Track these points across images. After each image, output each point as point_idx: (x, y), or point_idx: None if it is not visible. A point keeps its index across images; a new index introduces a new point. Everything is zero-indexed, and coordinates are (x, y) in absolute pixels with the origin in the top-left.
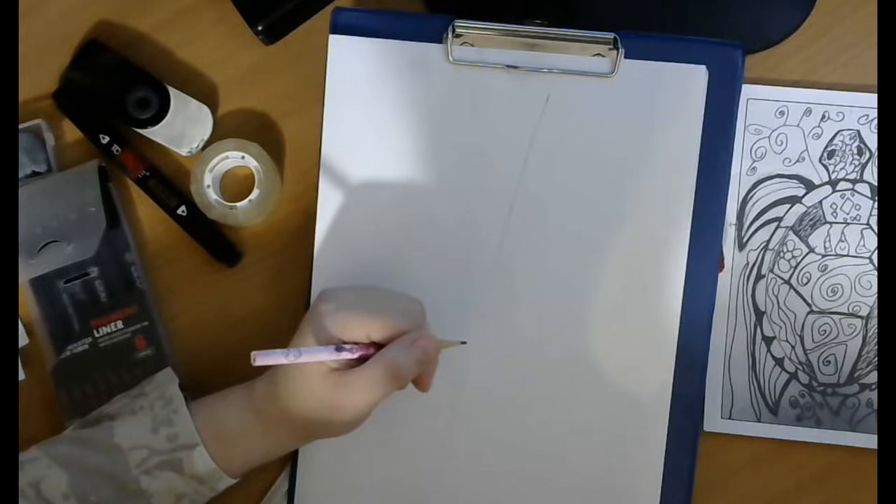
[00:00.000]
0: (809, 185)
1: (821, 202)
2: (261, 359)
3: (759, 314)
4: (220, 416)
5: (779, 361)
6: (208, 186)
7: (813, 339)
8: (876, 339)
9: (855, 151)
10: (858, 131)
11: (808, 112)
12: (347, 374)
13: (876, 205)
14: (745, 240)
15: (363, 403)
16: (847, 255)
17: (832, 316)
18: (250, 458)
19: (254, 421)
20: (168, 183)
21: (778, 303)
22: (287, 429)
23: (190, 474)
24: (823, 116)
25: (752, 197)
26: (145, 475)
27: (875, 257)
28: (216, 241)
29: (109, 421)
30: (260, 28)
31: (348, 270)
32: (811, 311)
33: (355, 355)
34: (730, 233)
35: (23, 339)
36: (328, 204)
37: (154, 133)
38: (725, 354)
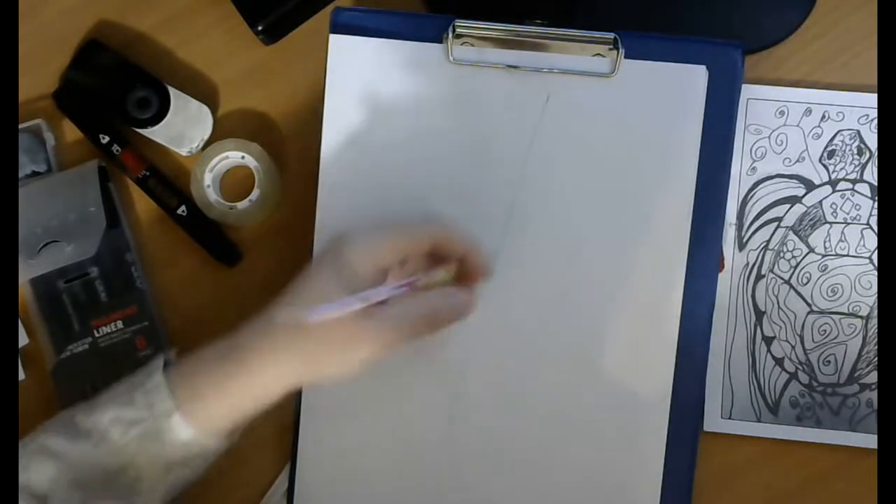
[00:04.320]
0: (809, 185)
1: (821, 202)
2: (318, 315)
3: (759, 314)
4: (197, 371)
5: (779, 361)
6: (208, 186)
7: (813, 339)
8: (876, 339)
9: (855, 151)
10: (858, 131)
11: (808, 112)
12: (366, 318)
13: (876, 205)
14: (745, 240)
15: (372, 350)
16: (847, 255)
17: (832, 316)
18: (234, 411)
19: (235, 366)
20: (168, 183)
21: (778, 303)
22: (279, 365)
23: (172, 442)
24: (823, 116)
25: (752, 197)
26: (128, 448)
27: (875, 257)
28: (216, 241)
29: (86, 403)
30: (260, 28)
31: None
32: (811, 311)
33: (403, 290)
34: (730, 233)
35: (23, 339)
36: (328, 204)
37: (154, 133)
38: (725, 354)
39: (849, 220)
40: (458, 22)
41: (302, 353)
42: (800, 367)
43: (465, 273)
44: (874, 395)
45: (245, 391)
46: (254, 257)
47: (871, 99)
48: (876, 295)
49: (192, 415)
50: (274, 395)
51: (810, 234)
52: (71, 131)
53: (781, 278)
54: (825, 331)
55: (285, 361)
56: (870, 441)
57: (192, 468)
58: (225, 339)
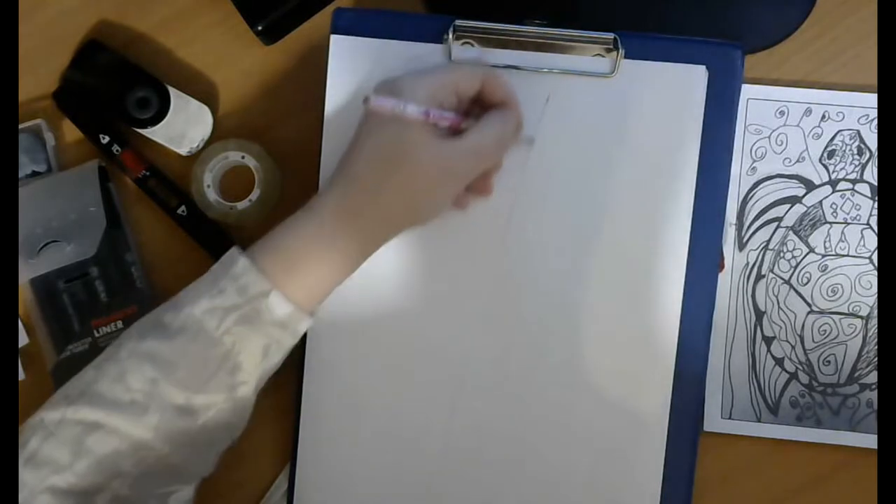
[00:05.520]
0: (809, 185)
1: (821, 202)
2: (378, 102)
3: (759, 314)
4: (283, 247)
5: (779, 361)
6: (208, 186)
7: (813, 339)
8: (876, 339)
9: (855, 151)
10: (858, 131)
11: (808, 112)
12: (456, 138)
13: (876, 205)
14: (745, 240)
15: (474, 168)
16: (847, 255)
17: (832, 316)
18: (325, 282)
19: (328, 231)
20: (168, 183)
21: (778, 303)
22: (369, 225)
23: (271, 321)
24: (823, 116)
25: (752, 197)
26: (226, 337)
27: (875, 257)
28: (216, 241)
29: (167, 304)
30: (260, 28)
31: None
32: (811, 311)
33: (455, 119)
34: (730, 233)
35: (23, 339)
36: None
37: (154, 133)
38: (725, 354)
39: (849, 220)
40: (459, 22)
41: (390, 204)
42: (800, 367)
43: None
44: (874, 395)
45: (339, 257)
46: None
47: (871, 99)
48: (876, 295)
49: (288, 290)
50: (368, 255)
51: (810, 234)
52: (71, 131)
53: (781, 278)
54: (825, 331)
55: (361, 237)
56: (870, 441)
57: (283, 351)
58: (303, 213)
